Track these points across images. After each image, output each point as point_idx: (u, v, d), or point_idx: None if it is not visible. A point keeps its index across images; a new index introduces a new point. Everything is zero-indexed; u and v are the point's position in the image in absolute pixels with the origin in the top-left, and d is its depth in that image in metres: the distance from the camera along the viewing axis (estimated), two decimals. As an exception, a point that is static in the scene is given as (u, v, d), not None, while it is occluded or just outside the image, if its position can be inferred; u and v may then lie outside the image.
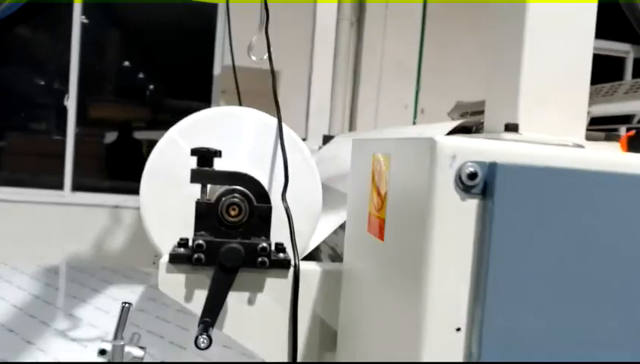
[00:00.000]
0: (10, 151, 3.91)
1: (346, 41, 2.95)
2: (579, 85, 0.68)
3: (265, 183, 0.96)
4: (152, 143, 3.82)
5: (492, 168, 0.47)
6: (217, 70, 3.51)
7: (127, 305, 0.97)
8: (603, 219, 0.47)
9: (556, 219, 0.46)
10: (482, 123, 0.99)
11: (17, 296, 2.97)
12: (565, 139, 0.64)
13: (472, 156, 0.47)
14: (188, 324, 2.65)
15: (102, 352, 0.98)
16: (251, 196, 0.78)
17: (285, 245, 0.82)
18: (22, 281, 3.17)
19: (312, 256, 0.98)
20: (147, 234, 0.95)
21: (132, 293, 2.99)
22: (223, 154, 0.94)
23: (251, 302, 0.78)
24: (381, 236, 0.61)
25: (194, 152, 0.78)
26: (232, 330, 0.78)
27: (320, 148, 2.14)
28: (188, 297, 0.76)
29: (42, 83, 4.07)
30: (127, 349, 1.03)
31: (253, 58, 2.12)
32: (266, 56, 2.19)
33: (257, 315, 0.78)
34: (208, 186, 0.80)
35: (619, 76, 4.08)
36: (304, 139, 2.42)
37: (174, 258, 0.76)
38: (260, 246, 0.75)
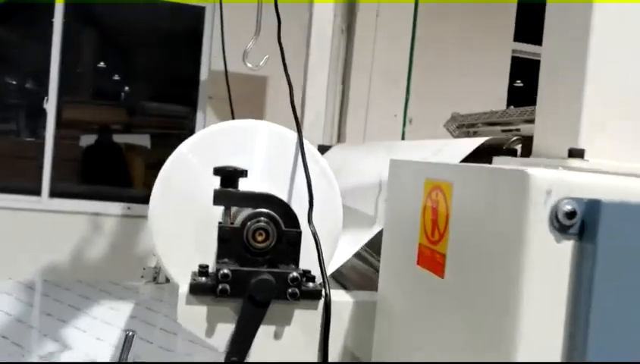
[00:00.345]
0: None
1: (336, 48, 2.90)
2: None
3: (282, 195, 0.90)
4: (130, 147, 3.66)
5: (593, 206, 0.41)
6: (204, 75, 3.42)
7: (130, 333, 0.89)
8: None
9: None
10: (514, 140, 0.95)
11: (-13, 314, 2.75)
12: None
13: (570, 192, 0.42)
14: (173, 345, 2.50)
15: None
16: (279, 219, 0.71)
17: (311, 271, 0.76)
18: (-8, 297, 2.97)
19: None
20: (156, 256, 0.88)
21: (112, 310, 2.78)
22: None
23: (278, 335, 0.71)
24: (440, 272, 0.55)
25: (217, 171, 0.71)
26: (256, 365, 0.71)
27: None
28: (210, 331, 0.70)
29: (14, 82, 3.93)
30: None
31: (249, 65, 2.06)
32: (262, 63, 2.14)
33: (284, 349, 0.72)
34: (232, 208, 0.73)
35: None
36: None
37: (196, 289, 0.69)
38: (291, 275, 0.69)
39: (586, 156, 0.61)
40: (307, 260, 0.76)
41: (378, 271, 1.25)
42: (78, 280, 3.00)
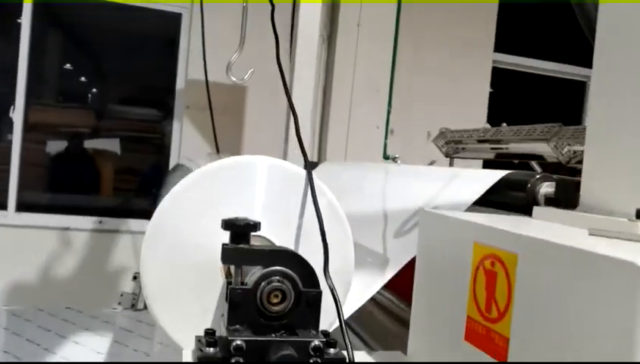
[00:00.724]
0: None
1: (317, 58, 2.82)
2: None
3: (288, 243, 0.82)
4: (99, 152, 3.49)
5: None
6: (180, 84, 3.30)
7: None
8: None
9: None
10: (538, 179, 0.88)
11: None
12: None
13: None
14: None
15: None
16: (296, 278, 0.63)
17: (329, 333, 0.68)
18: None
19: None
20: (148, 306, 0.79)
21: (76, 345, 2.22)
22: (235, 210, 0.79)
23: (296, 409, 0.63)
24: (501, 357, 0.48)
25: (227, 225, 0.63)
26: None
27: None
28: (220, 410, 0.61)
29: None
30: None
31: (233, 78, 1.97)
32: (246, 77, 2.05)
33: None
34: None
35: (580, 99, 4.15)
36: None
37: (205, 363, 0.60)
38: (313, 345, 0.60)
39: (651, 216, 0.54)
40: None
41: (385, 309, 1.17)
42: (39, 310, 2.45)
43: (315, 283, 0.64)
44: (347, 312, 0.86)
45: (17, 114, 3.31)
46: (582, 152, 1.61)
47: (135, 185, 3.91)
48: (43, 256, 3.06)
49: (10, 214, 3.23)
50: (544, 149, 1.63)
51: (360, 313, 1.03)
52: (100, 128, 3.92)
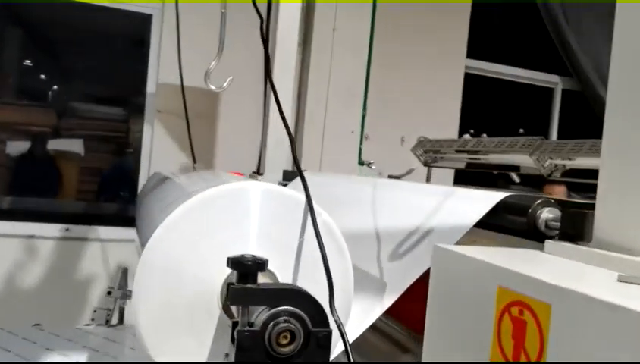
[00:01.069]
0: None
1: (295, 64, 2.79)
2: None
3: (286, 271, 0.79)
4: (61, 154, 3.35)
5: None
6: (151, 87, 3.21)
7: None
8: None
9: None
10: (539, 204, 0.87)
11: None
12: None
13: None
14: None
15: None
16: (305, 318, 0.60)
17: None
18: None
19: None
20: (139, 339, 0.75)
21: None
22: (231, 239, 0.76)
23: None
24: (532, 410, 0.46)
25: (234, 264, 0.59)
26: None
27: (284, 185, 1.96)
28: None
29: None
30: None
31: (212, 86, 1.92)
32: (225, 85, 2.00)
33: None
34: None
35: (548, 105, 4.24)
36: (260, 174, 2.24)
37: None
38: (325, 389, 0.58)
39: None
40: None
41: (384, 334, 1.15)
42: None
43: (325, 322, 0.62)
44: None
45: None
46: (564, 165, 1.63)
47: (98, 188, 3.78)
48: (4, 267, 2.94)
49: (-29, 222, 3.09)
50: (526, 161, 1.64)
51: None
52: (62, 127, 3.77)
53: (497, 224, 0.91)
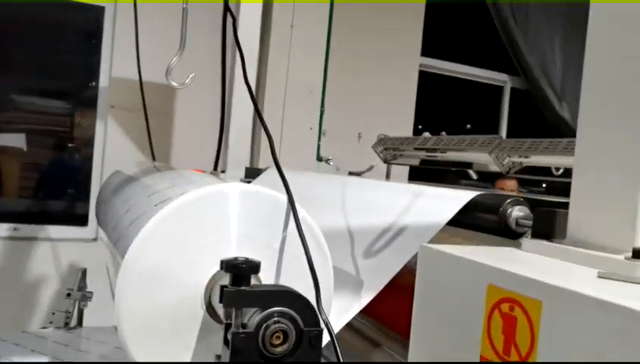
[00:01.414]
0: None
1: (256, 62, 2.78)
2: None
3: (268, 276, 0.80)
4: (2, 150, 3.19)
5: None
6: (103, 81, 3.12)
7: None
8: None
9: None
10: (510, 202, 0.91)
11: None
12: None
13: None
14: None
15: None
16: (297, 318, 0.61)
17: None
18: None
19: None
20: (123, 344, 0.74)
21: None
22: (212, 243, 0.76)
23: None
24: (523, 400, 0.49)
25: (228, 267, 0.60)
26: None
27: (248, 182, 1.95)
28: None
29: None
30: None
31: (174, 83, 1.89)
32: (187, 81, 1.97)
33: None
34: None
35: (497, 102, 4.39)
36: (222, 171, 2.22)
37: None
38: (319, 388, 0.59)
39: (642, 252, 0.58)
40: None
41: (352, 329, 1.17)
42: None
43: (316, 321, 0.63)
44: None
45: None
46: (520, 163, 1.70)
47: (45, 185, 3.63)
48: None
49: None
50: (485, 158, 1.70)
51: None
52: (1, 121, 3.59)
53: (468, 222, 0.94)
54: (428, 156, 2.03)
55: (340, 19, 3.38)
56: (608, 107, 0.61)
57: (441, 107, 4.43)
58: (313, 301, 0.68)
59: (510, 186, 3.26)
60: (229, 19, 1.03)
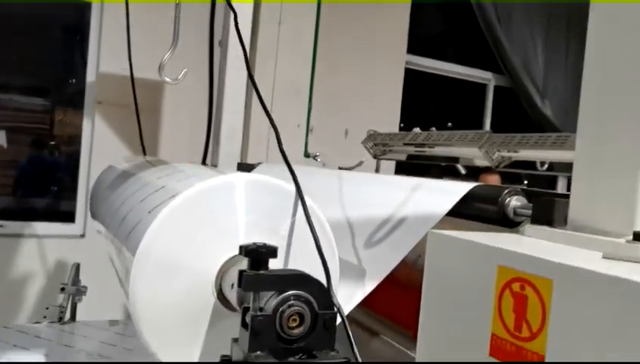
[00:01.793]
0: None
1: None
2: None
3: (277, 262, 0.82)
4: None
5: None
6: (90, 77, 3.09)
7: None
8: None
9: None
10: (508, 192, 0.95)
11: None
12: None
13: None
14: None
15: None
16: (313, 301, 0.64)
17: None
18: None
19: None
20: (138, 332, 0.76)
21: None
22: (223, 231, 0.78)
23: None
24: (535, 373, 0.52)
25: (248, 252, 0.62)
26: None
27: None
28: None
29: None
30: None
31: (167, 79, 1.89)
32: (180, 77, 1.98)
33: None
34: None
35: (481, 99, 4.46)
36: (214, 166, 2.23)
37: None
38: (337, 366, 0.62)
39: (641, 236, 0.61)
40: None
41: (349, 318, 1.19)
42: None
43: (330, 304, 0.65)
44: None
45: None
46: (510, 157, 1.74)
47: (28, 182, 3.58)
48: None
49: None
50: (474, 153, 1.74)
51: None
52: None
53: (467, 213, 0.97)
54: (417, 151, 2.06)
55: (328, 17, 3.40)
56: (608, 95, 0.64)
57: (425, 104, 4.48)
58: (324, 287, 0.71)
59: (494, 180, 3.31)
60: (230, 13, 1.04)
